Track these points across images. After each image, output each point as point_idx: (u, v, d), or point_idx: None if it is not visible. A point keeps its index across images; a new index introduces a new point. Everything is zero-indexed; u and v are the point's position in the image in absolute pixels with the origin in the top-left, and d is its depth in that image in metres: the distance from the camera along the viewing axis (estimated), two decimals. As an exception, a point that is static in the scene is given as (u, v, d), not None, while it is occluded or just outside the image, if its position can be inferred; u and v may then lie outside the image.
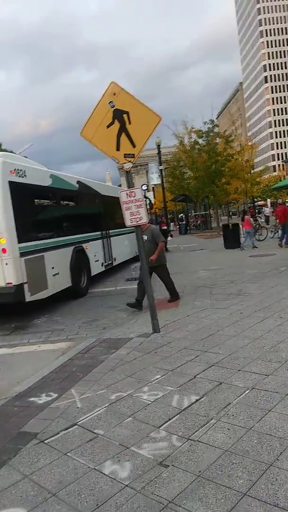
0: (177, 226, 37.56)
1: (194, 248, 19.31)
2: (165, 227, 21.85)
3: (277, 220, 16.52)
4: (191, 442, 2.83)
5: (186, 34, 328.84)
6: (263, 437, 2.77)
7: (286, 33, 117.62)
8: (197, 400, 3.43)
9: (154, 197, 36.74)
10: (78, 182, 10.89)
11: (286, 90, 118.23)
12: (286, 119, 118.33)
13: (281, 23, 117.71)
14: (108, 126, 5.57)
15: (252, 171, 40.24)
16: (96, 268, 11.04)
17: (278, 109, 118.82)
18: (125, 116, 5.52)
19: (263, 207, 40.42)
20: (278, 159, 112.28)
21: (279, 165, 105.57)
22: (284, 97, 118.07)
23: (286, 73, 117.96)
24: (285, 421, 2.94)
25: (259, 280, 8.71)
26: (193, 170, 30.32)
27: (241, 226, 17.59)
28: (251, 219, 16.76)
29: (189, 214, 40.67)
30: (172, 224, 42.23)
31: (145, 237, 6.94)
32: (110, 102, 5.53)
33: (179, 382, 3.83)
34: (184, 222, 36.48)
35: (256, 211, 41.96)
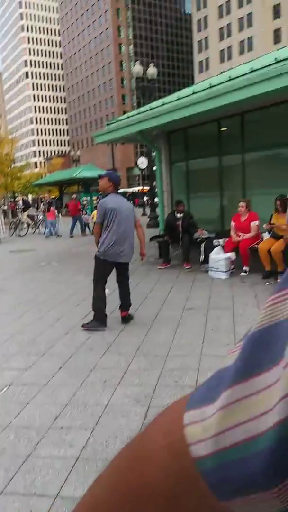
0: None
1: None
2: None
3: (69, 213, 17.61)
4: None
5: None
6: (20, 431, 2.76)
7: (47, 33, 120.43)
8: None
9: None
10: None
11: (47, 89, 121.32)
12: (47, 118, 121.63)
13: (43, 22, 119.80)
14: None
15: (12, 166, 39.56)
16: None
17: (39, 106, 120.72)
18: None
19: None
20: (40, 156, 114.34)
21: (40, 162, 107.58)
22: (45, 96, 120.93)
23: (48, 73, 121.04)
24: (42, 410, 3.02)
25: (19, 275, 8.66)
26: None
27: (45, 216, 17.83)
28: (56, 211, 17.60)
29: None
30: None
31: None
32: None
33: None
34: None
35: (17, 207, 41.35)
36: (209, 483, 0.29)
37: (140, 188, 40.33)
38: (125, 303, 4.98)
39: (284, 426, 0.25)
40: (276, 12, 59.59)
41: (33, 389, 3.37)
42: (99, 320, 4.76)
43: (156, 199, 15.06)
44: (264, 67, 6.43)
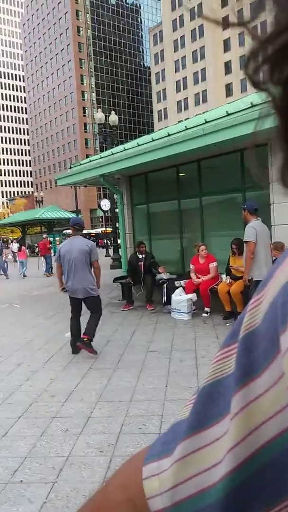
0: None
1: None
2: None
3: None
4: None
5: None
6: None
7: (11, 78, 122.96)
8: None
9: None
10: None
11: (11, 131, 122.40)
12: (11, 159, 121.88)
13: (7, 68, 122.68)
14: None
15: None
16: None
17: (2, 148, 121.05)
18: None
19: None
20: (2, 197, 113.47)
21: (3, 202, 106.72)
22: (9, 138, 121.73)
23: (11, 116, 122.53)
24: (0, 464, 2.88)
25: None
26: None
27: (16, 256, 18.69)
28: (27, 250, 18.08)
29: None
30: None
31: None
32: None
33: None
34: None
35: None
36: None
37: (103, 229, 40.70)
38: (86, 329, 5.24)
39: (231, 478, 0.25)
40: (227, 68, 64.41)
41: (-10, 442, 3.22)
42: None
43: (119, 241, 15.24)
44: (217, 119, 6.90)
